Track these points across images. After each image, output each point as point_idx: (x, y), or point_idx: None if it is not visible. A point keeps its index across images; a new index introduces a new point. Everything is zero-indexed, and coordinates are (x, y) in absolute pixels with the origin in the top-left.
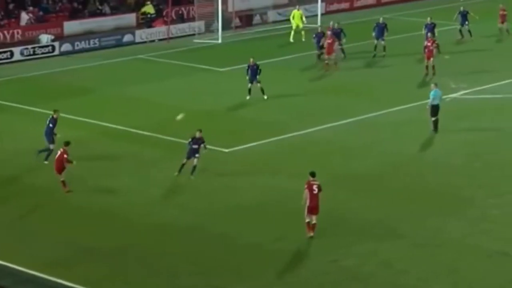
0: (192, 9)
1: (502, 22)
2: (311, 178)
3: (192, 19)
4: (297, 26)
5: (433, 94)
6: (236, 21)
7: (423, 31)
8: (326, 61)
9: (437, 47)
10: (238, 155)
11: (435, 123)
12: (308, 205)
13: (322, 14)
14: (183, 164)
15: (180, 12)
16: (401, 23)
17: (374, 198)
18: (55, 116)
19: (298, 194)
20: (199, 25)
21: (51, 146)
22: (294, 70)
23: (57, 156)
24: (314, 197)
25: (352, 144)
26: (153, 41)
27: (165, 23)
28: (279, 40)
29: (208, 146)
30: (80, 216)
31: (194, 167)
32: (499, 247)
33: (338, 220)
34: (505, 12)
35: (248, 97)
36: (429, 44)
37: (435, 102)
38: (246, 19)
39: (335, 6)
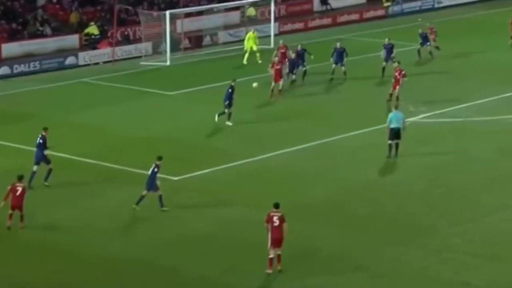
0: (139, 30)
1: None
2: (273, 210)
3: (139, 40)
4: (251, 48)
5: (391, 116)
6: (185, 42)
7: (382, 53)
8: (272, 88)
9: (404, 76)
10: (187, 183)
11: (391, 147)
12: (271, 238)
13: (275, 35)
14: (160, 196)
15: (126, 33)
16: (357, 43)
17: (331, 227)
18: (44, 133)
19: (249, 224)
20: (146, 46)
21: (35, 168)
22: (247, 93)
23: (18, 192)
24: (275, 230)
25: (308, 170)
26: (98, 63)
27: (110, 44)
28: (231, 62)
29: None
30: (19, 250)
31: (142, 197)
32: (460, 278)
33: (293, 251)
34: (434, 30)
35: (227, 122)
36: (396, 74)
37: (394, 125)
38: (196, 40)
39: (289, 27)
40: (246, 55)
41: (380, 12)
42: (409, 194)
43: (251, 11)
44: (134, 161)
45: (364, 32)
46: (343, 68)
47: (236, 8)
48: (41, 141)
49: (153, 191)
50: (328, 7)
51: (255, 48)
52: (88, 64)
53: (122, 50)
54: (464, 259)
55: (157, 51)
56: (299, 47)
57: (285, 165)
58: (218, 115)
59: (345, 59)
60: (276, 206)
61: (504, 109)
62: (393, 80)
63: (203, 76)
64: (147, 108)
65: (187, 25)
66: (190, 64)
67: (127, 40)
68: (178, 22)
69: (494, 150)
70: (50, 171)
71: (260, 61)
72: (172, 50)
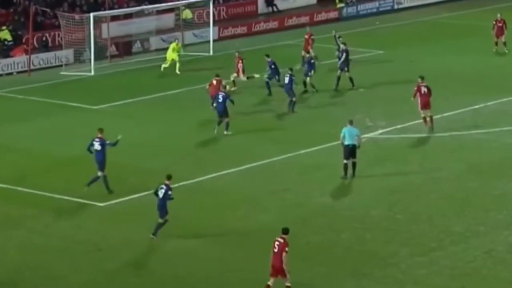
0: (58, 35)
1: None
2: (280, 235)
3: (59, 47)
4: (172, 60)
5: (344, 131)
6: (112, 49)
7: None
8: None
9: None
10: (115, 210)
11: (347, 167)
12: (271, 264)
13: (214, 41)
14: (163, 224)
15: (44, 38)
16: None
17: None
18: (100, 135)
19: (188, 257)
20: (67, 54)
21: (100, 173)
22: (184, 107)
23: None
24: (273, 257)
25: (254, 193)
26: (11, 73)
27: (26, 52)
28: (164, 71)
29: (80, 200)
30: None
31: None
32: None
33: (235, 285)
34: (312, 38)
35: (215, 131)
36: (423, 89)
37: (348, 142)
38: (124, 46)
39: (230, 31)
40: (164, 65)
41: (333, 14)
42: (368, 219)
43: (187, 14)
44: (55, 185)
45: (315, 36)
46: (308, 79)
47: (170, 10)
48: (105, 142)
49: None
50: (275, 8)
51: (177, 58)
52: (0, 75)
53: (39, 58)
54: None
55: (79, 59)
56: (269, 59)
57: (229, 188)
58: (218, 125)
59: (311, 72)
60: (284, 231)
61: (474, 122)
62: (417, 97)
63: (133, 87)
64: (69, 125)
65: (114, 29)
66: (118, 74)
67: (45, 47)
68: (104, 26)
69: (462, 170)
70: (97, 179)
71: (178, 72)
72: (97, 58)
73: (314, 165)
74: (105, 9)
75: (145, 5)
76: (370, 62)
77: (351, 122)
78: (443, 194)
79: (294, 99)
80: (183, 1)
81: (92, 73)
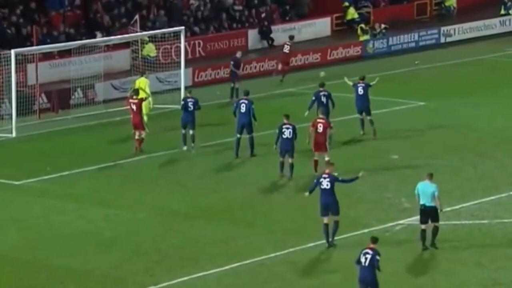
0: None
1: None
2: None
3: None
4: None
5: (417, 189)
6: (43, 101)
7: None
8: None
9: None
10: None
11: (423, 235)
12: None
13: (186, 87)
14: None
15: None
16: None
17: None
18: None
19: None
20: None
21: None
22: (144, 182)
23: None
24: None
25: None
26: None
27: None
28: (117, 132)
29: None
30: None
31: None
32: None
33: None
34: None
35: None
36: None
37: (423, 201)
38: (59, 97)
39: (209, 74)
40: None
41: (354, 51)
42: None
43: (149, 50)
44: None
45: (328, 82)
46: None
47: (125, 44)
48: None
49: None
50: (270, 42)
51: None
52: None
53: None
54: None
55: None
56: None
57: None
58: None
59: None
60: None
61: None
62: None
63: (72, 154)
64: None
65: (45, 73)
66: (51, 135)
67: None
68: (30, 68)
69: None
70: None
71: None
72: (20, 114)
73: (325, 266)
74: (32, 44)
75: (90, 37)
76: (405, 118)
77: (429, 176)
78: None
79: (291, 160)
80: (143, 33)
81: (14, 134)
